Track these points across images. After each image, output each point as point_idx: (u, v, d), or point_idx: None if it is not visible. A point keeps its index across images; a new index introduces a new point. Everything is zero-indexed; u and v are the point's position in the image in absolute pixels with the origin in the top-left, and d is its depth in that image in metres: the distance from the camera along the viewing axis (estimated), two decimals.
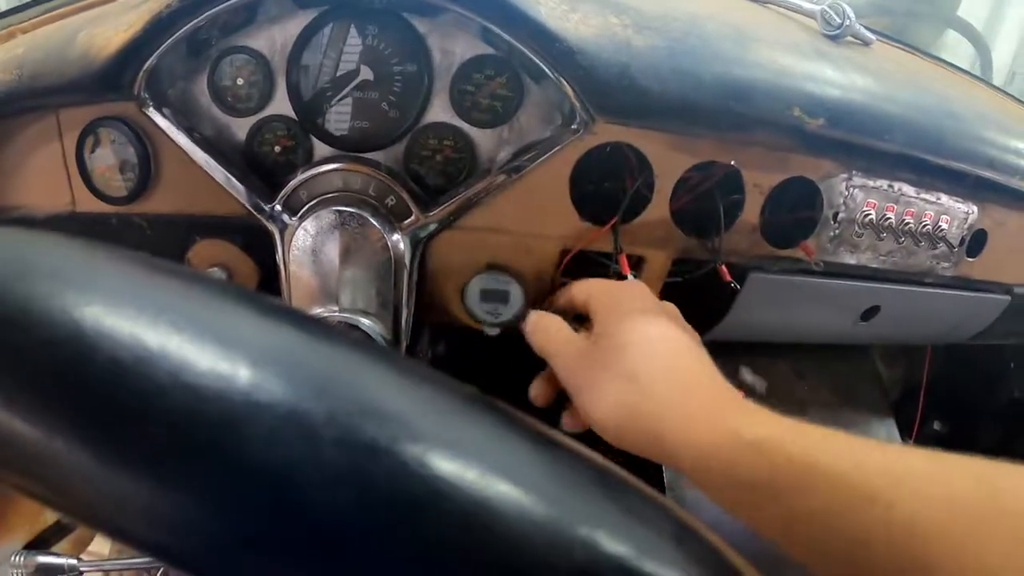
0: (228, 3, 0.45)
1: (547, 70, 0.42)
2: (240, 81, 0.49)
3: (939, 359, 0.82)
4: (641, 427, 0.34)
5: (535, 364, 0.43)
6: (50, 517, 0.74)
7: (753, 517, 0.30)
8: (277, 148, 0.50)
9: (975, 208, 0.58)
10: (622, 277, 0.46)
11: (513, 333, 0.47)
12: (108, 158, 0.51)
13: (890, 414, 0.70)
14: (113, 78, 0.47)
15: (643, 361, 0.35)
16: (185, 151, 0.49)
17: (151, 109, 0.48)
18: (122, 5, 0.55)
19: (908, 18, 0.99)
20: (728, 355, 0.64)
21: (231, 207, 0.50)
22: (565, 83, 0.42)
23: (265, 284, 0.51)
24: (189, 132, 0.49)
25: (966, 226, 0.59)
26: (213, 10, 0.45)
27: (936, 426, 0.85)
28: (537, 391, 0.43)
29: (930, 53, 0.67)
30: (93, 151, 0.51)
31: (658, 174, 0.46)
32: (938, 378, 0.81)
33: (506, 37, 0.42)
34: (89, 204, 0.53)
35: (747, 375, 0.57)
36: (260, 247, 0.50)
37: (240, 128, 0.50)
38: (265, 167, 0.50)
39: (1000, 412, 0.82)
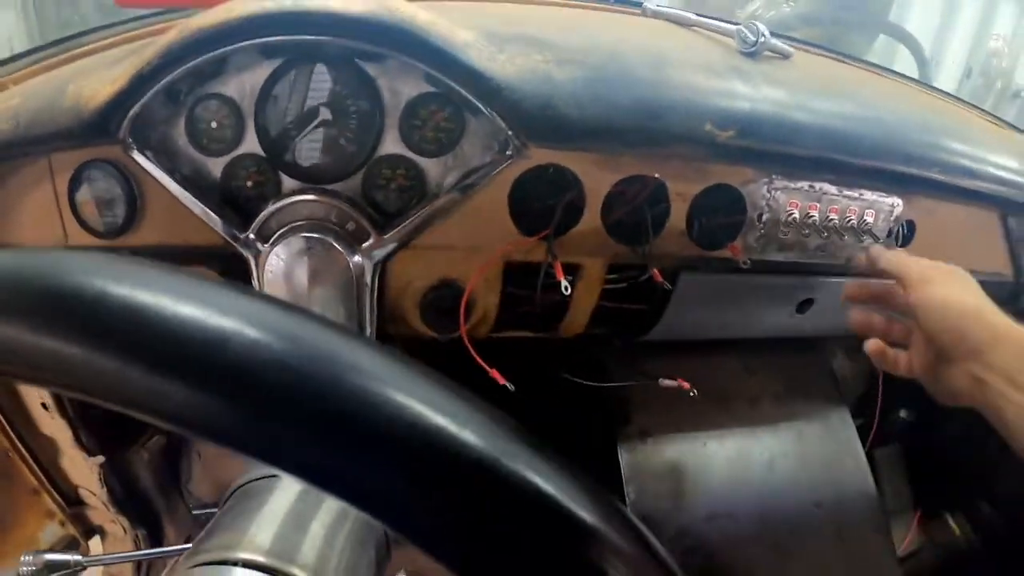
0: (202, 58, 0.53)
1: (480, 105, 0.50)
2: (214, 124, 0.57)
3: None
4: None
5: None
6: (43, 544, 0.82)
7: None
8: (249, 183, 0.58)
9: (900, 201, 0.66)
10: (557, 283, 0.54)
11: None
12: (98, 197, 0.59)
13: (843, 404, 0.77)
14: (101, 126, 0.55)
15: None
16: (167, 188, 0.57)
17: (135, 152, 0.56)
18: (104, 58, 0.63)
19: (838, 27, 1.07)
20: (676, 354, 0.72)
21: (210, 237, 0.58)
22: (496, 116, 0.50)
23: None
24: (170, 171, 0.57)
25: (892, 218, 0.67)
26: (189, 64, 0.53)
27: (903, 414, 0.92)
28: None
29: (859, 59, 0.76)
30: (83, 191, 0.59)
31: (588, 189, 0.54)
32: None
33: (443, 78, 0.50)
34: (80, 239, 0.60)
35: (665, 381, 0.65)
36: (237, 273, 0.58)
37: (215, 166, 0.59)
38: (239, 200, 0.58)
39: None
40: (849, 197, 0.64)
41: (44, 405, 0.74)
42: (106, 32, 0.68)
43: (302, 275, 0.56)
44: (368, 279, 0.55)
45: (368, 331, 0.57)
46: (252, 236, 0.57)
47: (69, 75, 0.61)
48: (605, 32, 0.57)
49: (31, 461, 0.78)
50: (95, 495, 0.82)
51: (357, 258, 0.55)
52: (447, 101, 0.54)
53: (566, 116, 0.49)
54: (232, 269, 0.59)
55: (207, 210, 0.57)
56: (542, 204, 0.55)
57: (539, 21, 0.56)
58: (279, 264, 0.56)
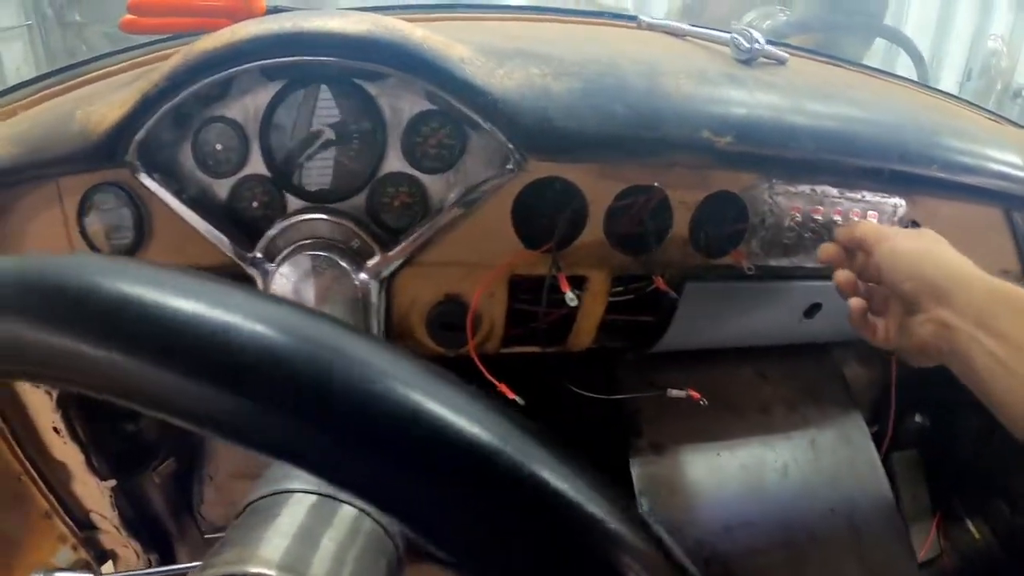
0: (206, 80, 0.54)
1: (479, 120, 0.51)
2: (219, 146, 0.59)
3: None
4: None
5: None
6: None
7: None
8: (255, 203, 0.59)
9: (902, 201, 0.66)
10: (562, 295, 0.54)
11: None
12: (106, 219, 0.60)
13: (856, 409, 0.76)
14: (109, 149, 0.56)
15: None
16: (174, 210, 0.58)
17: (143, 175, 0.57)
18: (110, 84, 0.65)
19: (833, 33, 1.08)
20: (687, 363, 0.72)
21: (217, 257, 0.59)
22: (496, 130, 0.51)
23: None
24: (177, 193, 0.58)
25: (895, 219, 0.67)
26: (194, 87, 0.55)
27: (918, 419, 0.91)
28: None
29: (854, 62, 0.76)
30: (92, 214, 0.60)
31: (590, 200, 0.55)
32: (912, 373, 0.88)
33: (442, 94, 0.51)
34: None
35: (673, 392, 0.65)
36: None
37: (221, 187, 0.60)
38: (245, 221, 0.60)
39: (976, 400, 0.88)
40: (851, 199, 0.64)
41: (56, 429, 0.75)
42: (112, 59, 0.70)
43: (309, 293, 0.57)
44: (374, 297, 0.56)
45: None
46: (259, 255, 0.58)
47: (77, 101, 0.62)
48: (601, 45, 0.59)
49: (43, 485, 0.79)
50: (107, 519, 0.82)
51: (363, 276, 0.56)
52: (448, 118, 0.55)
53: (564, 129, 0.50)
54: None
55: (214, 230, 0.58)
56: (545, 217, 0.56)
57: (535, 36, 0.58)
58: (286, 283, 0.57)
